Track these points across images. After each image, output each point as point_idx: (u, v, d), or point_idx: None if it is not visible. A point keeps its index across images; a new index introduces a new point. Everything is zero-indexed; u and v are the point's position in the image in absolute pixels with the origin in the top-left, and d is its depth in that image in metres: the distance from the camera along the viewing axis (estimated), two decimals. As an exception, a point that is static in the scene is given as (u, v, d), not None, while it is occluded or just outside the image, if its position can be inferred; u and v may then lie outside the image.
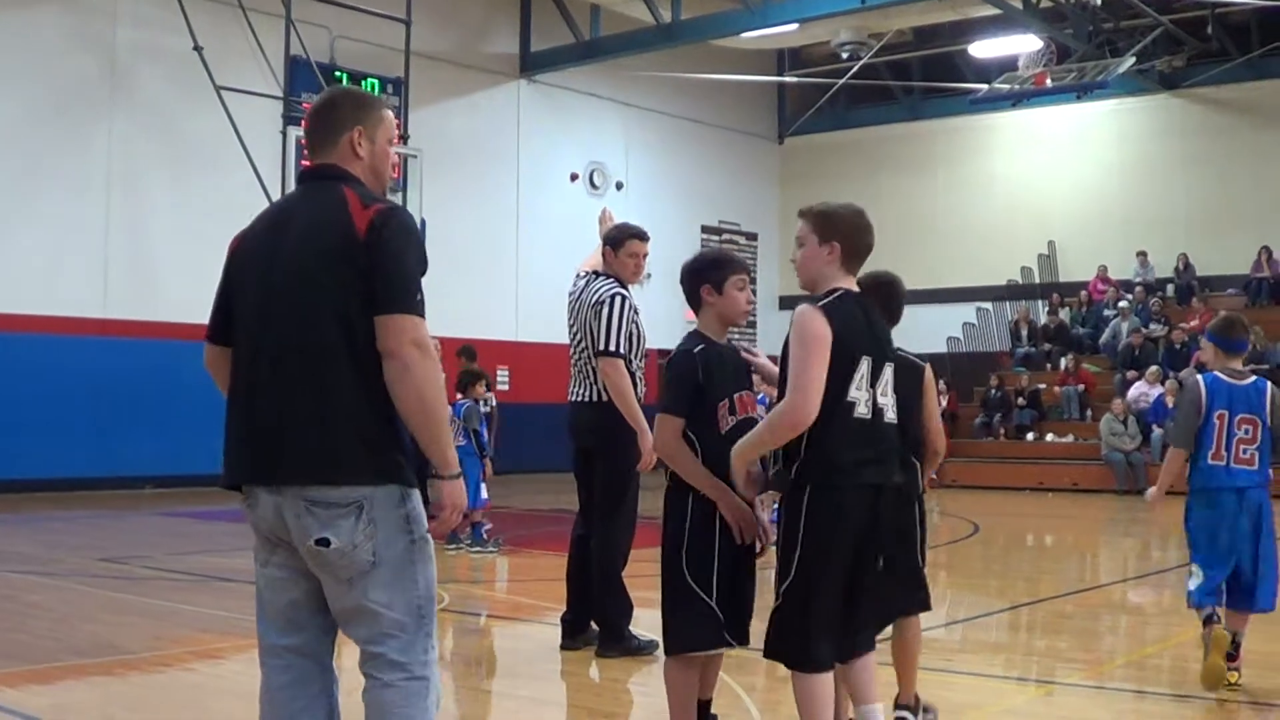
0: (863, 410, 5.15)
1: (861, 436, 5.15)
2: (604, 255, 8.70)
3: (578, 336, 8.50)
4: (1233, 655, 7.41)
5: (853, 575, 5.18)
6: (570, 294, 8.72)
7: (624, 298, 8.42)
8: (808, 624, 5.15)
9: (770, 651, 5.29)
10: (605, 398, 8.30)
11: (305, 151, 4.52)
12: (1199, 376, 7.74)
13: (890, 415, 5.27)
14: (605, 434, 8.37)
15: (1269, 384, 7.62)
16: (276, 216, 4.41)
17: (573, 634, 8.74)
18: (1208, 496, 7.47)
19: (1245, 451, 7.37)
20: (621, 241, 8.70)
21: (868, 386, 5.17)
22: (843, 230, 5.31)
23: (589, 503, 8.69)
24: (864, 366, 5.15)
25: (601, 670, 8.29)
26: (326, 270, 4.11)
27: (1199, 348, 18.21)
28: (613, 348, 8.22)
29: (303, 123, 4.58)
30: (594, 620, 8.67)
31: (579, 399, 8.51)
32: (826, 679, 5.19)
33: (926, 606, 6.54)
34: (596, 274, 8.65)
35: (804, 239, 5.40)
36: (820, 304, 5.14)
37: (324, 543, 4.09)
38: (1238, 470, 7.39)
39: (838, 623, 5.23)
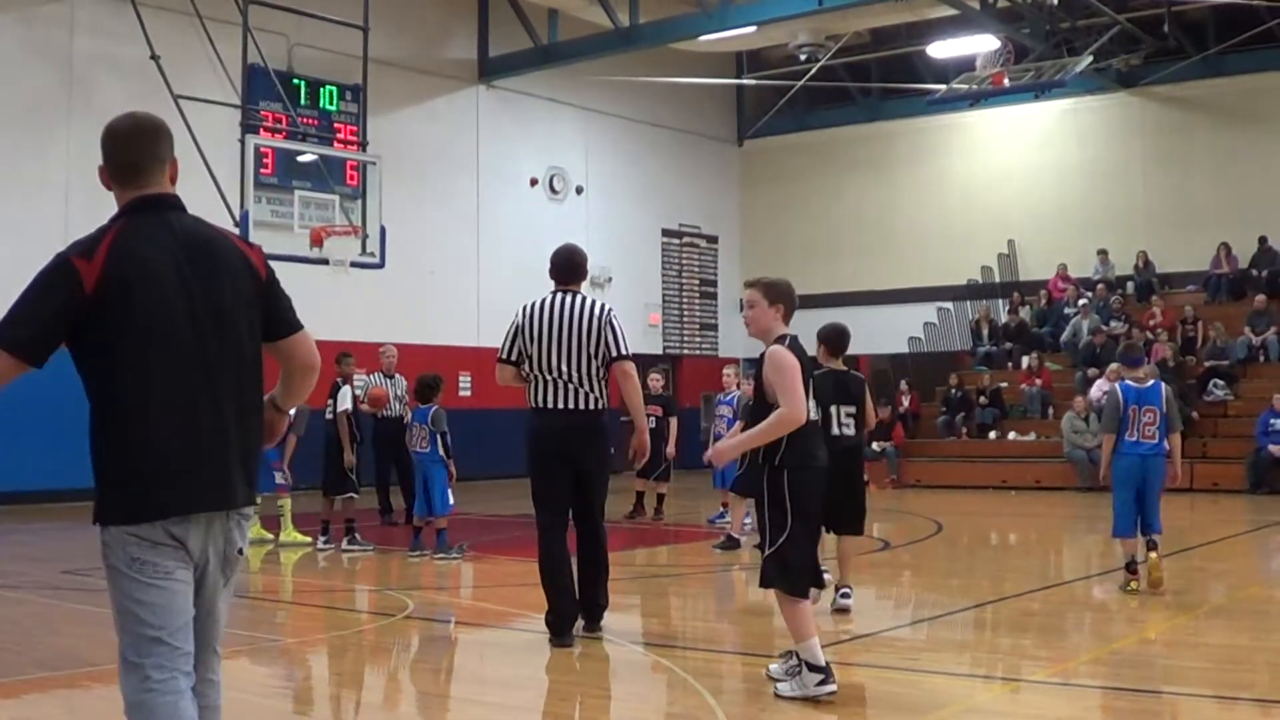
0: (815, 415, 7.50)
1: (815, 434, 7.52)
2: (580, 278, 9.48)
3: (573, 349, 9.05)
4: (1133, 568, 11.33)
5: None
6: (549, 309, 9.17)
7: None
8: (802, 565, 7.36)
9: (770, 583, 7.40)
10: (597, 405, 9.13)
11: (123, 171, 4.52)
12: (1116, 385, 11.68)
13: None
14: (599, 438, 9.21)
15: (1163, 384, 11.69)
16: (186, 241, 4.41)
17: (569, 630, 9.15)
18: (1125, 460, 11.34)
19: (1148, 430, 11.29)
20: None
21: (813, 398, 7.45)
22: (785, 297, 7.53)
23: (561, 505, 9.22)
24: (809, 386, 7.36)
25: (568, 675, 8.30)
26: (250, 305, 4.42)
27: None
28: (628, 352, 9.19)
29: (121, 140, 4.61)
30: (587, 605, 9.23)
31: (572, 407, 9.07)
32: (808, 604, 7.42)
33: (861, 532, 10.84)
34: (570, 291, 9.30)
35: (755, 302, 7.52)
36: (786, 344, 7.32)
37: (241, 551, 4.43)
38: (1143, 443, 11.29)
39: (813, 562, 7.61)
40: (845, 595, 10.40)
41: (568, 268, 9.40)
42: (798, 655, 7.33)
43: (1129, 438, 11.29)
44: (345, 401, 15.65)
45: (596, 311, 9.12)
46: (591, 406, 9.09)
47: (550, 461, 9.13)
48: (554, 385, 9.05)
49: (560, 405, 9.05)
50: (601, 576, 9.30)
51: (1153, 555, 11.12)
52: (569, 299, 9.19)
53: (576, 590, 9.19)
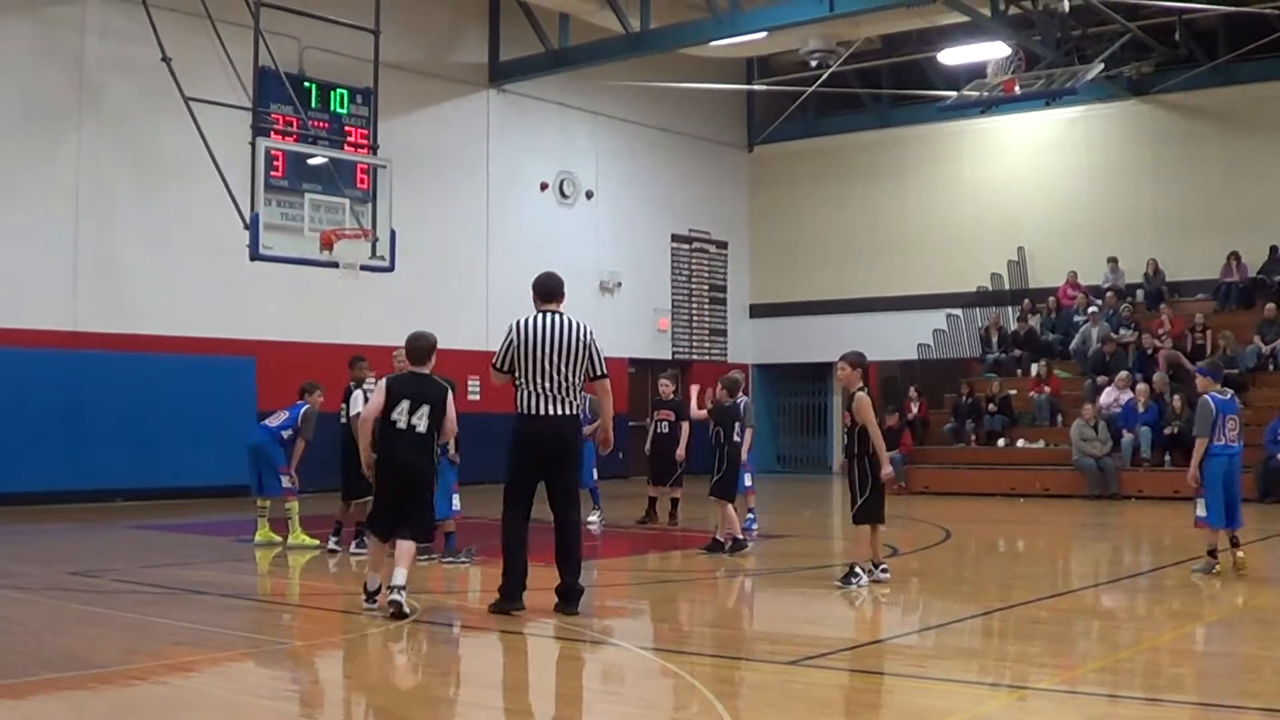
0: (402, 424, 10.50)
1: (402, 438, 10.56)
2: (560, 300, 10.95)
3: (561, 365, 10.57)
4: (1215, 553, 13.08)
5: (400, 497, 10.58)
6: (541, 328, 10.62)
7: None
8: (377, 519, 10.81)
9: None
10: (575, 411, 10.73)
11: None
12: (1207, 397, 13.18)
13: (421, 428, 10.55)
14: (575, 438, 10.95)
15: (1235, 396, 13.73)
16: None
17: (519, 597, 10.66)
18: (1217, 461, 12.96)
19: (1232, 435, 13.09)
20: None
21: (405, 413, 10.53)
22: (408, 352, 11.05)
23: (530, 497, 10.83)
24: (404, 404, 10.54)
25: (576, 679, 8.30)
26: None
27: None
28: (606, 371, 10.87)
29: None
30: (564, 588, 10.64)
31: (557, 413, 10.60)
32: (378, 544, 10.78)
33: (881, 520, 12.51)
34: (554, 312, 10.77)
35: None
36: (386, 378, 10.80)
37: None
38: (1231, 446, 13.05)
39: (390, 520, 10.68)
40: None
41: (549, 290, 10.88)
42: (366, 584, 10.85)
43: (1218, 441, 13.03)
44: (358, 405, 15.65)
45: (581, 334, 10.67)
46: (571, 413, 10.68)
47: (534, 460, 10.68)
48: (542, 395, 10.55)
49: (546, 412, 10.55)
50: (574, 558, 10.63)
51: (1239, 554, 13.01)
52: (556, 319, 10.67)
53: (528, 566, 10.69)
